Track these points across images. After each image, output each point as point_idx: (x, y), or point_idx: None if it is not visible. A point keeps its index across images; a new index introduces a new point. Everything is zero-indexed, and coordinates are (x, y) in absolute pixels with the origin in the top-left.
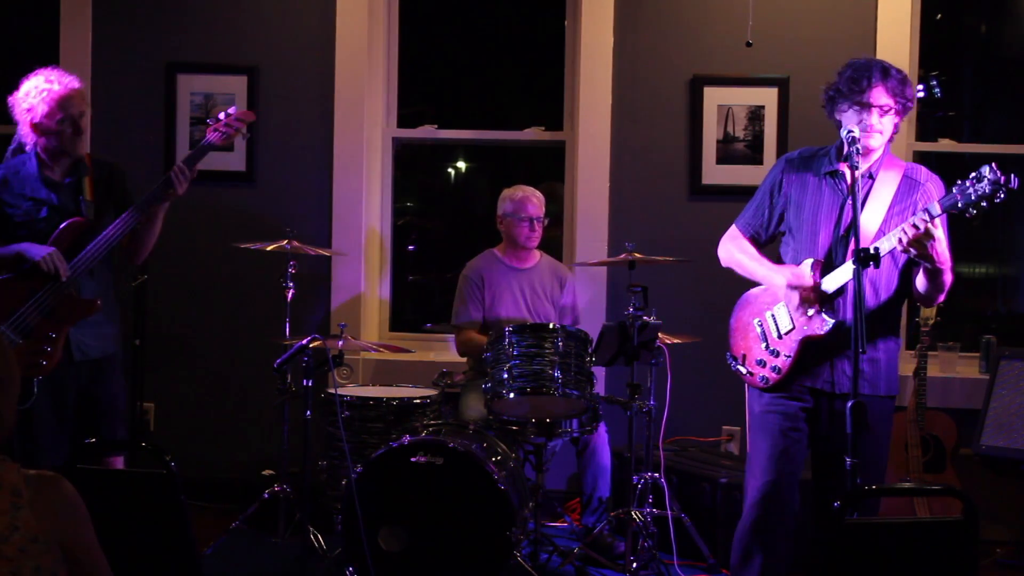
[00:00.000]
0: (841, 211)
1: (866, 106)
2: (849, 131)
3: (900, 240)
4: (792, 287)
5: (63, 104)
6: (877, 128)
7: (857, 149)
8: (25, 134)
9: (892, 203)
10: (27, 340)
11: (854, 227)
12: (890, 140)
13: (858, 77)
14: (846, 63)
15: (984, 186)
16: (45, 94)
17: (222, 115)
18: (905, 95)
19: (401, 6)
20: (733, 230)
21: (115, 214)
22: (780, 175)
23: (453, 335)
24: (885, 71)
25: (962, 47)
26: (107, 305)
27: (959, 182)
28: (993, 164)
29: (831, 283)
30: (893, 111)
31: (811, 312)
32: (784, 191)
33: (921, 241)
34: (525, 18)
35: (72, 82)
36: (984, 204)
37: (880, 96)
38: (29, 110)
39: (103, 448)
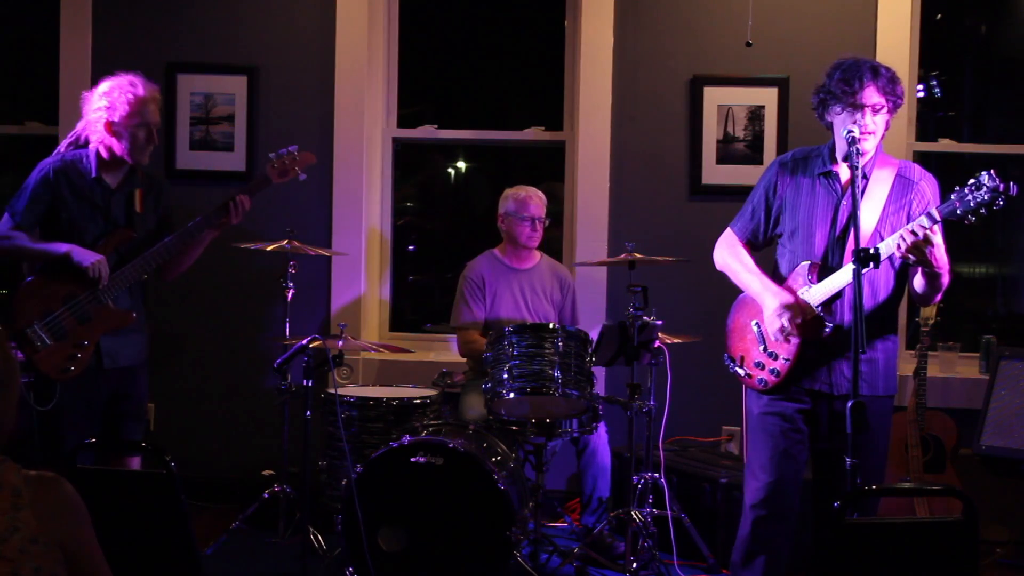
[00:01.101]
0: (836, 212)
1: (859, 107)
2: (849, 131)
3: (899, 246)
4: (781, 313)
5: (143, 109)
6: (871, 129)
7: (857, 150)
8: (93, 131)
9: (887, 202)
10: (57, 342)
11: (854, 227)
12: (881, 138)
13: (849, 78)
14: (833, 64)
15: (983, 194)
16: (130, 95)
17: (284, 151)
18: (895, 92)
19: (401, 6)
20: (729, 235)
21: (156, 229)
22: (774, 177)
23: (454, 336)
24: (875, 70)
25: (962, 47)
26: (139, 316)
27: (958, 189)
28: (992, 171)
29: (821, 292)
30: (885, 109)
31: (798, 323)
32: (779, 193)
33: (920, 247)
34: (525, 18)
35: (156, 91)
36: (983, 211)
37: (872, 96)
38: (109, 107)
39: (116, 448)
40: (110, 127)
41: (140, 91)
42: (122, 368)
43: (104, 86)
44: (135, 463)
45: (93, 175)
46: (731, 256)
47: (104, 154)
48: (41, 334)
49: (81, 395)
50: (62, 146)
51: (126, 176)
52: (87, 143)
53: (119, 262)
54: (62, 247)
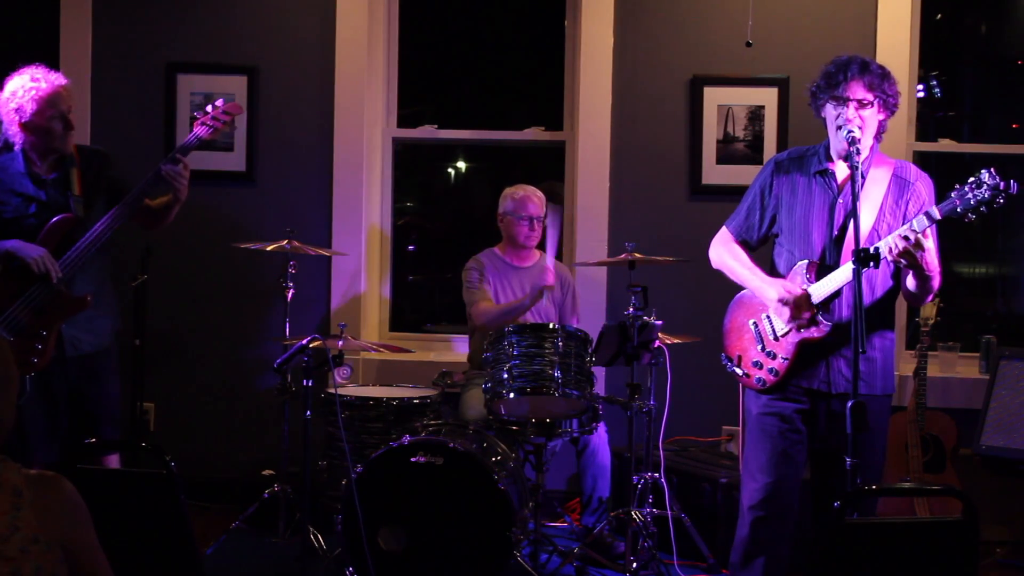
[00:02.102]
0: (832, 211)
1: (843, 100)
2: (849, 131)
3: (890, 250)
4: (783, 303)
5: (52, 101)
6: (856, 123)
7: (857, 149)
8: (13, 134)
9: (883, 202)
10: (18, 338)
11: (854, 226)
12: (879, 138)
13: (835, 71)
14: (830, 60)
15: (983, 192)
16: (33, 92)
17: (209, 107)
18: (885, 90)
19: (401, 6)
20: (724, 233)
21: (106, 203)
22: (770, 177)
23: (454, 336)
24: (864, 65)
25: (962, 47)
26: (101, 298)
27: (958, 187)
28: (992, 169)
29: (822, 289)
30: (873, 106)
31: (802, 320)
32: (775, 192)
33: (911, 252)
34: (525, 18)
35: (58, 79)
36: (983, 209)
37: (857, 90)
38: (17, 110)
39: (101, 448)
40: (24, 128)
41: (43, 86)
42: (85, 356)
43: (8, 88)
44: (112, 461)
45: (23, 169)
46: (727, 254)
47: (32, 153)
48: (1, 332)
49: (40, 386)
50: None
51: (57, 161)
52: (13, 142)
53: (68, 245)
54: (4, 244)
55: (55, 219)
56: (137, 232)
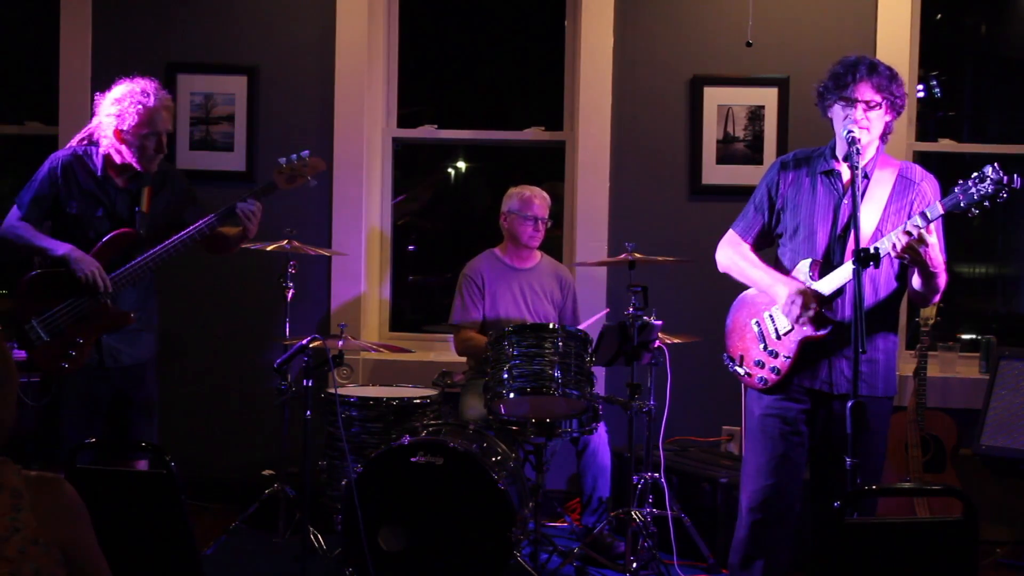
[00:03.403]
0: (837, 211)
1: (851, 101)
2: (849, 131)
3: (894, 246)
4: (799, 292)
5: (153, 120)
6: (863, 124)
7: (857, 149)
8: (103, 135)
9: (888, 202)
10: (53, 339)
11: (854, 227)
12: (884, 139)
13: (844, 72)
14: (837, 61)
15: (987, 186)
16: (140, 105)
17: (294, 156)
18: (893, 91)
19: (401, 6)
20: (732, 235)
21: (168, 227)
22: (776, 177)
23: (452, 335)
24: (872, 67)
25: (962, 47)
26: (145, 314)
27: (961, 181)
28: (996, 164)
29: (828, 286)
30: (881, 107)
31: (810, 314)
32: (781, 193)
33: (914, 248)
34: (525, 18)
35: (168, 99)
36: (987, 204)
37: (865, 91)
38: (119, 115)
39: (115, 449)
40: (119, 135)
41: (151, 101)
42: (125, 367)
43: (117, 91)
44: (142, 465)
45: (99, 173)
46: (736, 255)
47: (114, 158)
48: (39, 330)
49: (81, 394)
50: (75, 140)
51: (134, 175)
52: (99, 142)
53: (124, 261)
54: (61, 248)
55: (116, 232)
56: None
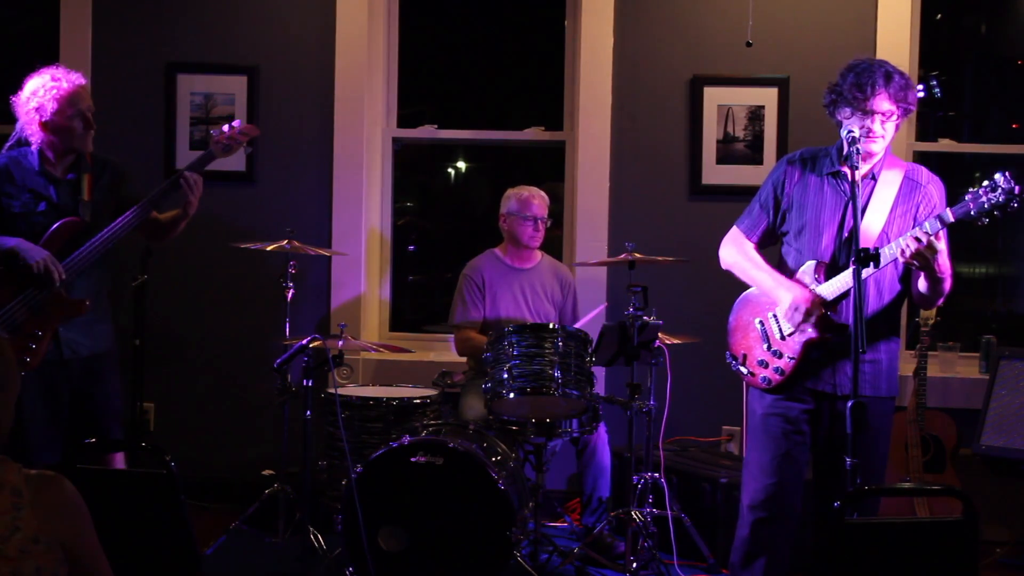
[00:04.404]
0: (844, 212)
1: (869, 113)
2: (849, 131)
3: (903, 252)
4: (796, 310)
5: (73, 100)
6: (879, 134)
7: (857, 150)
8: (31, 133)
9: (894, 205)
10: (12, 335)
11: (854, 227)
12: (890, 141)
13: (862, 83)
14: (848, 64)
15: (998, 195)
16: (54, 91)
17: (226, 127)
18: (907, 100)
19: (401, 6)
20: (735, 233)
21: (113, 214)
22: (782, 176)
23: (452, 335)
24: (888, 76)
25: (962, 47)
26: (100, 303)
27: (972, 190)
28: (1007, 173)
29: (831, 290)
30: (895, 116)
31: (813, 321)
32: (787, 192)
33: (923, 254)
34: (525, 18)
35: (78, 78)
36: (997, 213)
37: (883, 102)
38: (38, 109)
39: (102, 447)
40: (44, 127)
41: (64, 85)
42: (84, 358)
43: (28, 88)
44: (118, 460)
45: (37, 168)
46: (740, 254)
47: (48, 153)
48: None
49: (41, 387)
50: (7, 146)
51: (72, 164)
52: (29, 142)
53: (72, 249)
54: (9, 242)
55: (62, 221)
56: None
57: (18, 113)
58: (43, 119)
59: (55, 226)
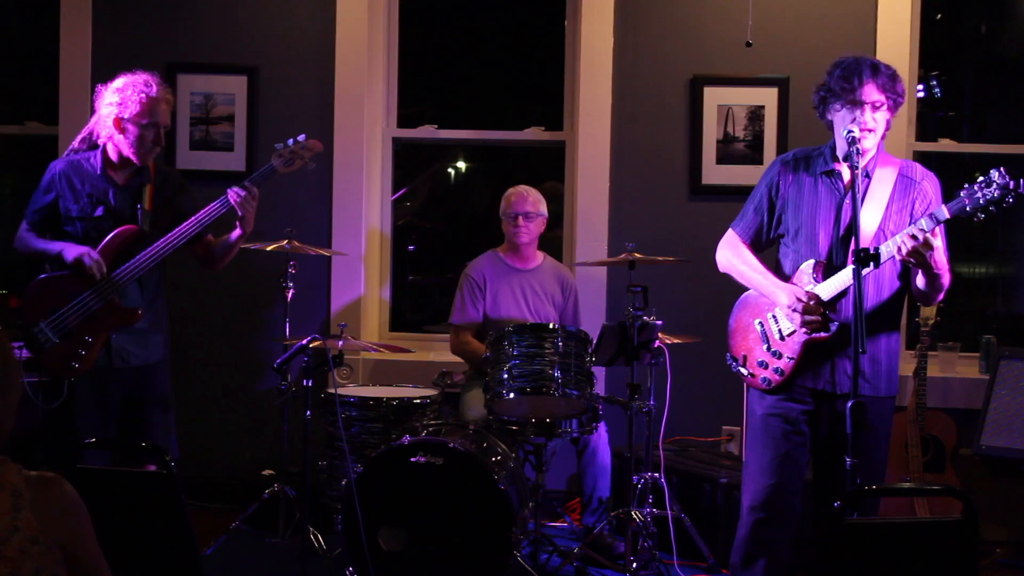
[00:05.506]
0: (839, 211)
1: (859, 104)
2: (849, 131)
3: (899, 249)
4: (793, 310)
5: (155, 111)
6: (870, 126)
7: (857, 149)
8: (102, 127)
9: (890, 202)
10: (63, 340)
11: (854, 227)
12: (882, 137)
13: (848, 75)
14: (834, 63)
15: (993, 191)
16: (143, 95)
17: (291, 141)
18: (895, 90)
19: (401, 6)
20: (731, 235)
21: (170, 225)
22: (776, 176)
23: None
24: (875, 67)
25: (962, 47)
26: (154, 314)
27: (967, 186)
28: (1002, 169)
29: (829, 289)
30: (885, 107)
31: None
32: (782, 193)
33: (920, 251)
34: (525, 18)
35: (168, 93)
36: (992, 208)
37: (872, 93)
38: (120, 103)
39: (102, 447)
40: (119, 123)
41: (153, 91)
42: (135, 368)
43: (119, 82)
44: (153, 468)
45: (98, 172)
46: (735, 256)
47: (111, 154)
48: (47, 332)
49: (92, 394)
50: (75, 142)
51: (134, 173)
52: (98, 138)
53: (128, 257)
54: (57, 246)
55: (120, 229)
56: None
57: (97, 103)
58: (120, 115)
59: (113, 233)
